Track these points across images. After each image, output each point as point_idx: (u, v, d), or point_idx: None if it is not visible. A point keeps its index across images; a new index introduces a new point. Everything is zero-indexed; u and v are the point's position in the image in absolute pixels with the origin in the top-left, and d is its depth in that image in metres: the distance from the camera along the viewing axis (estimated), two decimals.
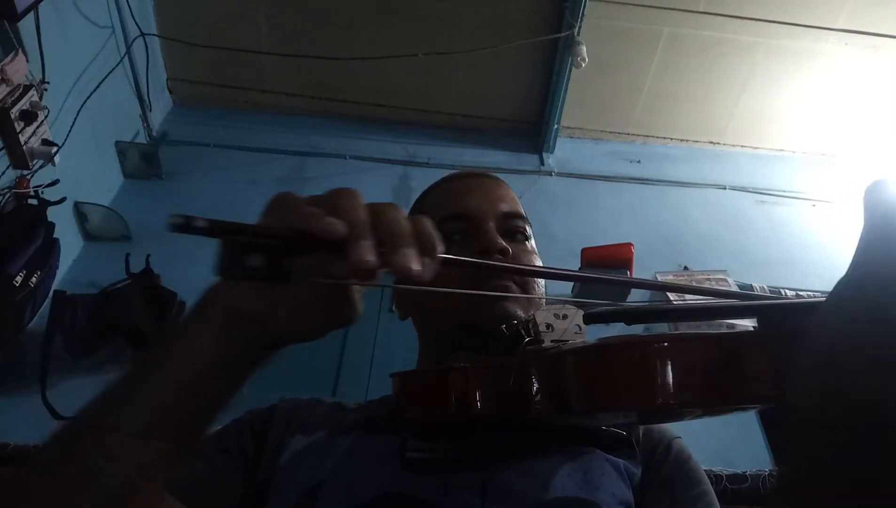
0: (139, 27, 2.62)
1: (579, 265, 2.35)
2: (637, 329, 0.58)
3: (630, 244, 2.34)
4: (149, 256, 2.12)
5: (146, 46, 2.67)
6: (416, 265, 0.37)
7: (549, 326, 0.56)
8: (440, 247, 0.40)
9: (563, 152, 3.20)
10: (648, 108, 3.24)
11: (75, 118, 2.17)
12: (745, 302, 0.49)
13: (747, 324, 0.45)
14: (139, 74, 2.68)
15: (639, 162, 3.25)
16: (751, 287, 2.51)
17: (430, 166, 2.96)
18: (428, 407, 0.56)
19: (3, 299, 1.77)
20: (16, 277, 1.81)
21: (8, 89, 1.79)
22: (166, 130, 2.93)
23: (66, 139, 2.08)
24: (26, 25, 1.86)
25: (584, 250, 2.32)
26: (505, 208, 0.71)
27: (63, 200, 2.03)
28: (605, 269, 2.32)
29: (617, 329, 0.50)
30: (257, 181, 2.77)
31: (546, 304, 0.64)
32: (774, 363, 0.40)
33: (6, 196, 1.87)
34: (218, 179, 2.73)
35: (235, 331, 0.41)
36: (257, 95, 3.07)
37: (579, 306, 0.57)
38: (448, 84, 3.11)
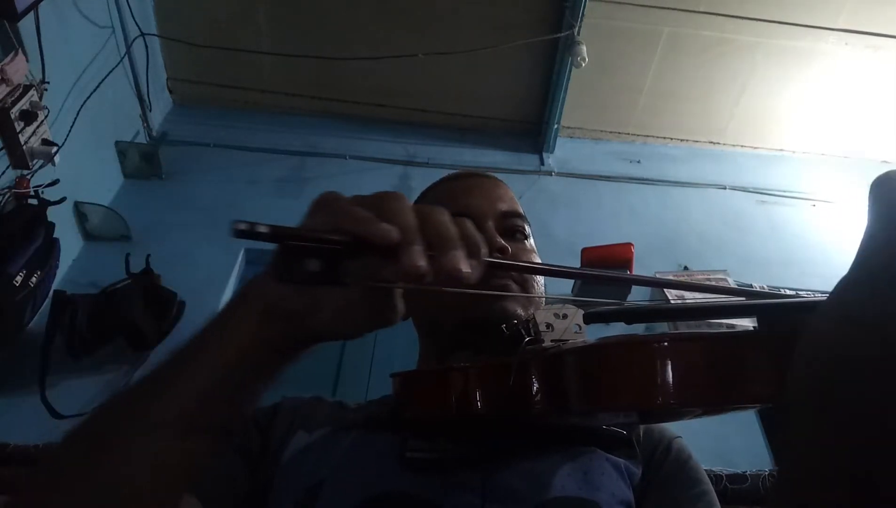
0: (139, 27, 2.62)
1: (579, 265, 2.35)
2: (637, 329, 0.58)
3: (630, 244, 2.34)
4: (149, 256, 2.12)
5: (146, 46, 2.67)
6: (465, 267, 0.38)
7: (549, 325, 0.56)
8: (484, 249, 0.40)
9: (563, 152, 3.20)
10: (648, 108, 3.24)
11: (75, 118, 2.17)
12: (745, 302, 0.49)
13: (747, 324, 0.45)
14: (139, 74, 2.68)
15: (639, 162, 3.25)
16: (751, 287, 2.51)
17: (430, 166, 2.96)
18: (428, 407, 0.56)
19: (3, 299, 1.77)
20: (16, 277, 1.81)
21: (8, 89, 1.79)
22: (166, 130, 2.93)
23: (66, 139, 2.08)
24: (26, 25, 1.86)
25: (584, 250, 2.32)
26: (504, 207, 0.71)
27: (63, 200, 2.03)
28: (605, 269, 2.32)
29: (617, 329, 0.50)
30: (257, 181, 2.77)
31: (546, 303, 0.64)
32: (775, 363, 0.40)
33: (6, 196, 1.87)
34: (218, 179, 2.73)
35: (272, 326, 0.41)
36: (257, 95, 3.07)
37: (579, 305, 0.57)
38: (448, 84, 3.11)
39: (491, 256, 0.63)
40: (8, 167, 1.87)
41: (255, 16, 2.87)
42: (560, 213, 2.86)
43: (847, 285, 0.28)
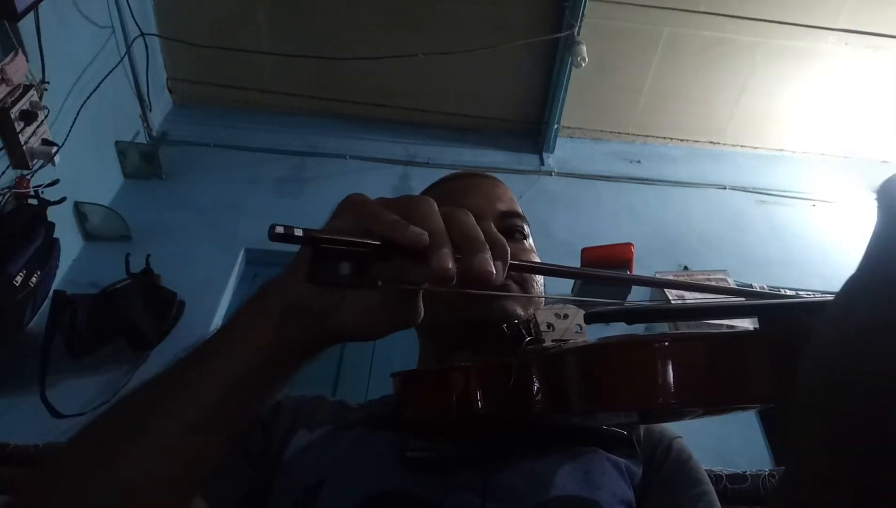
0: (139, 27, 2.62)
1: (579, 265, 2.35)
2: (638, 329, 0.58)
3: (630, 244, 2.34)
4: (149, 256, 2.12)
5: (146, 46, 2.67)
6: (493, 270, 0.38)
7: (549, 325, 0.56)
8: (509, 250, 0.41)
9: (563, 152, 3.20)
10: (648, 108, 3.23)
11: (75, 118, 2.17)
12: (746, 302, 0.49)
13: (748, 324, 0.45)
14: (139, 74, 2.68)
15: (639, 162, 3.25)
16: (751, 287, 2.51)
17: (430, 166, 2.96)
18: (428, 407, 0.56)
19: (3, 299, 1.77)
20: (16, 277, 1.81)
21: (8, 89, 1.79)
22: (166, 130, 2.93)
23: (66, 139, 2.08)
24: (26, 25, 1.86)
25: (584, 250, 2.32)
26: (503, 207, 0.71)
27: (63, 200, 2.03)
28: (605, 269, 2.32)
29: (618, 329, 0.50)
30: (257, 181, 2.77)
31: (547, 303, 0.64)
32: (776, 363, 0.40)
33: (6, 196, 1.87)
34: (218, 179, 2.73)
35: (293, 325, 0.41)
36: (257, 95, 3.07)
37: (580, 305, 0.57)
38: (448, 84, 3.11)
39: None
40: (8, 167, 1.87)
41: (255, 16, 2.87)
42: (560, 213, 2.86)
43: (854, 285, 0.28)
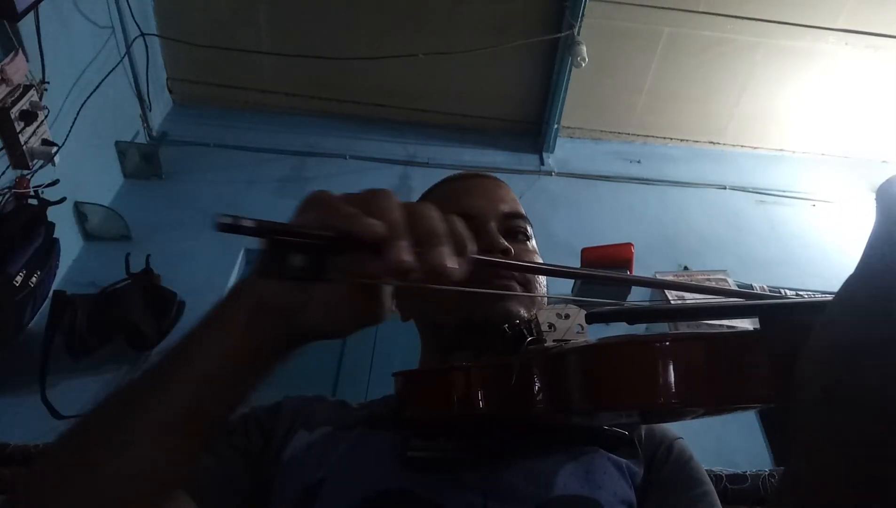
0: (139, 27, 2.62)
1: (579, 265, 2.35)
2: (639, 329, 0.58)
3: (630, 244, 2.34)
4: (149, 256, 2.12)
5: (146, 46, 2.67)
6: (451, 263, 0.38)
7: (551, 325, 0.56)
8: (472, 246, 0.40)
9: (563, 152, 3.20)
10: (648, 108, 3.24)
11: (75, 118, 2.16)
12: (746, 302, 0.49)
13: (748, 324, 0.45)
14: (139, 73, 2.68)
15: (639, 162, 3.25)
16: (751, 287, 2.51)
17: (430, 166, 2.96)
18: (430, 406, 0.56)
19: (3, 299, 1.77)
20: (16, 277, 1.81)
21: (8, 89, 1.79)
22: (166, 130, 2.93)
23: (66, 139, 2.08)
24: (26, 25, 1.86)
25: (584, 250, 2.32)
26: (506, 208, 0.71)
27: (63, 200, 2.03)
28: (605, 269, 2.32)
29: (618, 329, 0.50)
30: (257, 181, 2.77)
31: (548, 304, 0.64)
32: (776, 363, 0.40)
33: (6, 196, 1.87)
34: (218, 179, 2.73)
35: (262, 322, 0.41)
36: (257, 95, 3.07)
37: (581, 305, 0.57)
38: (448, 84, 3.11)
39: (494, 257, 0.64)
40: (8, 167, 1.87)
41: (255, 16, 2.87)
42: (560, 213, 2.86)
43: (852, 286, 0.29)
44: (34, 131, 1.89)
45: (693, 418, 0.50)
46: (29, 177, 1.95)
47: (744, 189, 3.15)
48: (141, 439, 0.39)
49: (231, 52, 2.84)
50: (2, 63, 1.76)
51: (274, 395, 0.70)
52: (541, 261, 0.72)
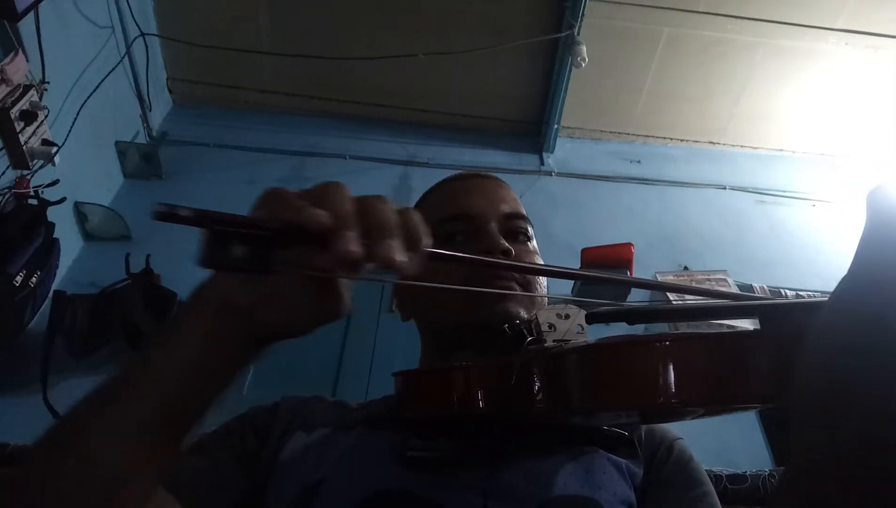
0: (139, 27, 2.62)
1: (579, 266, 2.35)
2: (638, 329, 0.59)
3: (630, 244, 2.34)
4: (149, 256, 2.12)
5: (146, 46, 2.67)
6: (399, 257, 0.37)
7: (551, 325, 0.56)
8: (426, 240, 0.39)
9: (563, 152, 3.20)
10: (648, 108, 3.24)
11: (75, 118, 2.17)
12: (746, 302, 0.49)
13: (748, 324, 0.45)
14: (139, 73, 2.68)
15: (639, 162, 3.25)
16: (751, 287, 2.51)
17: (430, 166, 2.96)
18: (430, 406, 0.56)
19: (3, 299, 1.77)
20: (16, 277, 1.81)
21: (8, 89, 1.79)
22: (166, 130, 2.93)
23: (66, 139, 2.08)
24: (26, 25, 1.86)
25: (584, 251, 2.32)
26: (507, 208, 0.71)
27: (63, 200, 2.03)
28: (605, 269, 2.32)
29: (618, 329, 0.50)
30: (257, 181, 2.77)
31: (548, 304, 0.64)
32: (776, 363, 0.40)
33: (6, 196, 1.87)
34: (218, 179, 2.73)
35: (223, 324, 0.41)
36: (257, 95, 3.07)
37: (581, 306, 0.57)
38: (448, 84, 3.11)
39: (495, 258, 0.64)
40: (8, 167, 1.87)
41: (255, 16, 2.87)
42: (560, 213, 2.86)
43: (847, 283, 0.29)
44: (34, 131, 1.89)
45: (693, 418, 0.50)
46: (29, 177, 1.95)
47: (743, 189, 3.15)
48: (108, 440, 0.40)
49: (231, 52, 2.84)
50: (2, 63, 1.76)
51: (273, 394, 0.70)
52: (541, 261, 0.72)
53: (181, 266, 2.22)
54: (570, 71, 2.89)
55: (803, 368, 0.30)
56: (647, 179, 3.14)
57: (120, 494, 0.40)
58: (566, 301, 0.58)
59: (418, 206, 0.77)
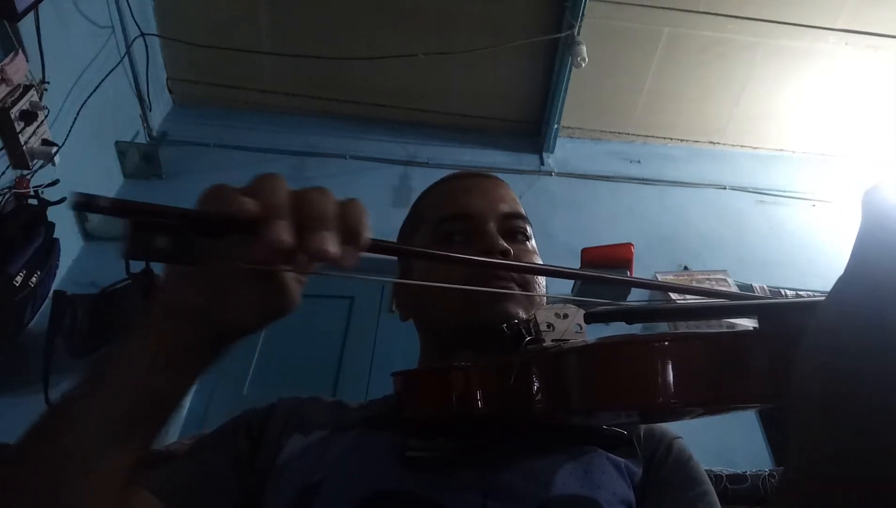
0: (139, 27, 2.62)
1: (579, 266, 2.34)
2: (638, 329, 0.59)
3: (630, 244, 2.34)
4: None
5: (146, 46, 2.67)
6: (332, 249, 0.36)
7: (549, 325, 0.56)
8: (366, 233, 0.39)
9: (563, 152, 3.20)
10: (648, 108, 3.23)
11: (75, 118, 2.17)
12: (745, 302, 0.49)
13: (747, 324, 0.45)
14: (139, 73, 2.68)
15: (639, 162, 3.25)
16: (751, 287, 2.51)
17: (430, 166, 2.96)
18: (429, 406, 0.56)
19: (3, 299, 1.77)
20: (16, 277, 1.81)
21: (8, 89, 1.79)
22: (166, 130, 2.93)
23: (66, 139, 2.08)
24: (26, 25, 1.86)
25: (584, 251, 2.32)
26: (505, 208, 0.71)
27: (63, 200, 2.03)
28: (605, 269, 2.32)
29: (618, 329, 0.50)
30: None
31: (547, 303, 0.64)
32: (775, 363, 0.40)
33: (6, 196, 1.87)
34: (218, 179, 2.63)
35: (173, 325, 0.41)
36: (257, 95, 3.07)
37: (580, 305, 0.57)
38: (448, 84, 3.11)
39: (493, 258, 0.64)
40: (8, 167, 1.87)
41: (255, 16, 2.87)
42: (560, 213, 2.86)
43: (843, 284, 0.29)
44: (34, 131, 1.89)
45: (692, 417, 0.50)
46: (29, 177, 1.95)
47: (743, 189, 3.15)
48: (72, 456, 0.40)
49: (231, 52, 2.84)
50: (2, 63, 1.76)
51: (273, 394, 0.70)
52: (540, 261, 0.71)
53: None
54: (570, 71, 2.88)
55: (802, 368, 0.30)
56: (647, 179, 3.14)
57: (96, 499, 0.40)
58: (564, 301, 0.58)
59: (416, 205, 0.77)
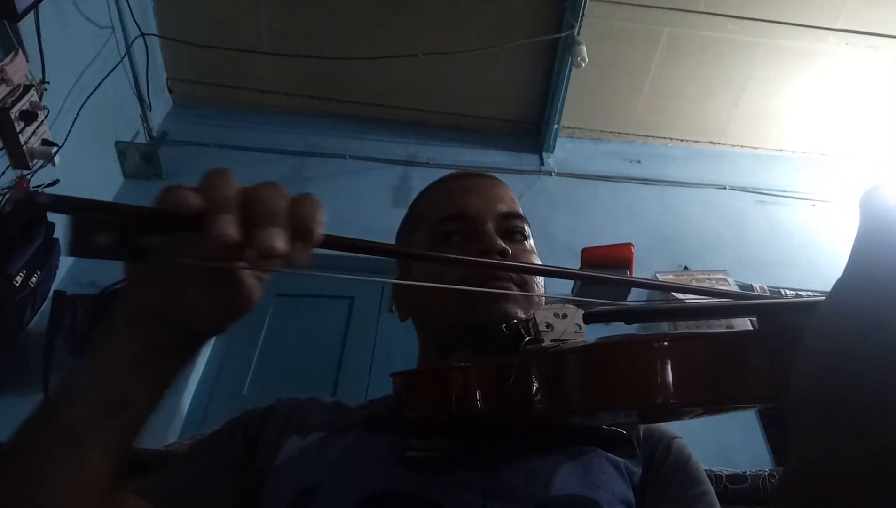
0: (139, 27, 2.62)
1: (579, 266, 2.34)
2: (637, 329, 0.58)
3: (630, 244, 2.33)
4: None
5: (146, 46, 2.67)
6: (280, 245, 0.36)
7: (549, 325, 0.56)
8: (318, 230, 0.38)
9: (563, 152, 3.20)
10: (648, 108, 3.23)
11: (75, 118, 2.17)
12: (745, 302, 0.49)
13: (747, 324, 0.45)
14: (139, 73, 2.68)
15: (639, 162, 3.25)
16: (751, 287, 2.51)
17: (430, 166, 2.96)
18: (428, 407, 0.56)
19: (3, 299, 1.77)
20: (16, 277, 1.80)
21: (8, 89, 1.79)
22: (166, 130, 2.93)
23: (66, 139, 2.08)
24: (26, 25, 1.86)
25: (583, 251, 2.31)
26: (503, 208, 0.71)
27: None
28: (604, 269, 2.32)
29: (617, 329, 0.50)
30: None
31: (546, 303, 0.64)
32: (775, 363, 0.40)
33: (6, 196, 1.87)
34: None
35: (138, 330, 0.41)
36: (257, 95, 3.07)
37: (579, 305, 0.57)
38: (448, 84, 3.11)
39: (492, 258, 0.64)
40: (8, 167, 1.87)
41: (255, 16, 2.87)
42: (560, 213, 2.86)
43: (843, 284, 0.29)
44: (34, 131, 1.89)
45: (692, 417, 0.50)
46: (29, 177, 1.95)
47: (743, 189, 3.15)
48: (51, 462, 0.40)
49: (231, 52, 2.84)
50: (2, 63, 1.76)
51: (272, 395, 0.69)
52: (539, 261, 0.71)
53: None
54: (569, 71, 2.88)
55: (802, 368, 0.30)
56: (647, 179, 3.14)
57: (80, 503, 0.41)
58: (564, 301, 0.58)
59: (415, 204, 0.77)
